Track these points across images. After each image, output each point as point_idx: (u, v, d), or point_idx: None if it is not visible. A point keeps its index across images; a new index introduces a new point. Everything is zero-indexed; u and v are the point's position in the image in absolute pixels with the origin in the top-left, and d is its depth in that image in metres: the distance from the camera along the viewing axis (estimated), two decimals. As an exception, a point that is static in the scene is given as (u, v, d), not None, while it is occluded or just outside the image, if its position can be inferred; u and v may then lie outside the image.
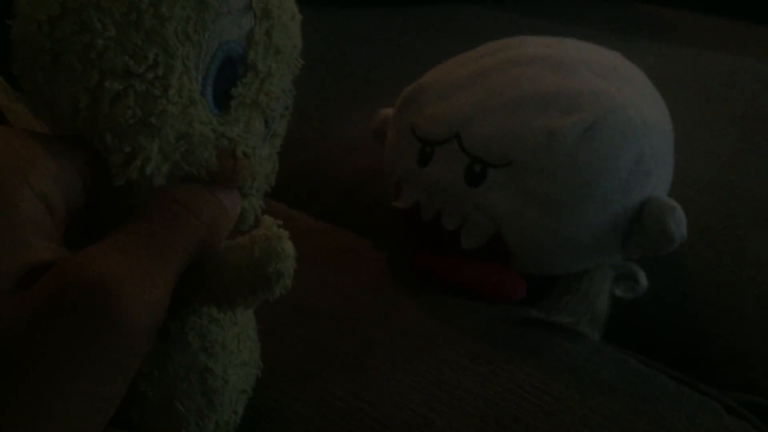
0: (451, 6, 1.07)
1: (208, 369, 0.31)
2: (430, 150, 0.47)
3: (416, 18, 1.03)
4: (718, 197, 0.54)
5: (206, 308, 0.31)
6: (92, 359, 0.24)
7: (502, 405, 0.38)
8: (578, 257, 0.46)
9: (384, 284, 0.49)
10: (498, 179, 0.44)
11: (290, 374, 0.39)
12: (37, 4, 0.27)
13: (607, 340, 0.46)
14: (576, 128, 0.43)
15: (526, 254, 0.45)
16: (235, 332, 0.33)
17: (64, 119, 0.28)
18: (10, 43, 0.28)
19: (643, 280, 0.46)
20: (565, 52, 0.46)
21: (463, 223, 0.46)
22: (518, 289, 0.47)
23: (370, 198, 0.59)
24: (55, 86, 0.27)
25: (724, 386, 0.44)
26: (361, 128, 0.60)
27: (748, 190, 0.55)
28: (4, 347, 0.23)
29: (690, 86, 0.75)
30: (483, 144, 0.44)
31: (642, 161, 0.43)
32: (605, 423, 0.38)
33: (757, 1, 1.08)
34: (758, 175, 0.57)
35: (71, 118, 0.27)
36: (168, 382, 0.31)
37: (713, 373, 0.45)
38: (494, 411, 0.38)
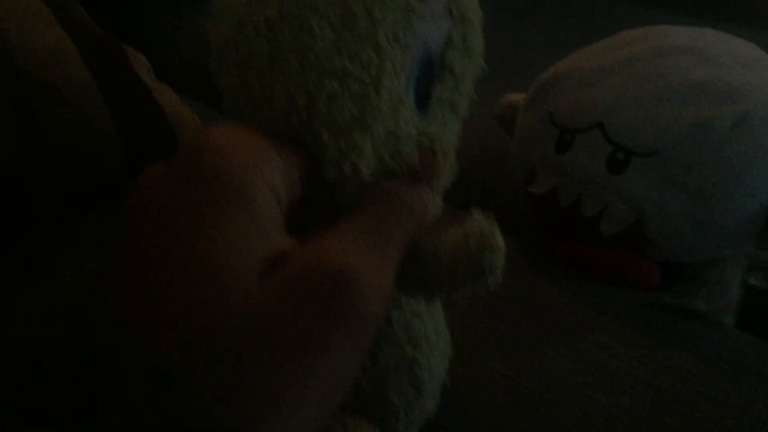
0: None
1: (415, 361, 0.33)
2: (569, 137, 0.48)
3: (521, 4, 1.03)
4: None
5: (409, 302, 0.32)
6: (338, 344, 0.25)
7: (660, 388, 0.40)
8: (717, 246, 0.46)
9: (520, 271, 0.49)
10: (642, 167, 0.45)
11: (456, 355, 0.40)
12: (253, 8, 0.28)
13: (740, 329, 0.46)
14: (726, 120, 0.43)
15: (666, 242, 0.46)
16: (433, 325, 0.34)
17: (275, 118, 0.29)
18: (210, 43, 0.30)
19: (778, 269, 0.47)
20: (707, 44, 0.47)
21: (603, 209, 0.46)
22: (654, 275, 0.48)
23: (486, 182, 0.60)
24: (269, 86, 0.28)
25: None
26: (476, 114, 0.61)
27: None
28: (257, 334, 0.24)
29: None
30: (628, 133, 0.45)
31: (789, 153, 0.44)
32: (764, 413, 0.39)
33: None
34: None
35: (285, 116, 0.28)
36: (380, 373, 0.32)
37: None
38: (653, 394, 0.39)
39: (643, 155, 0.45)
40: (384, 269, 0.27)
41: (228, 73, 0.30)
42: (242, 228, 0.26)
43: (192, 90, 0.59)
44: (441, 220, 0.31)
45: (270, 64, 0.28)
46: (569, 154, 0.47)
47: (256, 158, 0.27)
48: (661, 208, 0.45)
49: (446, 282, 0.30)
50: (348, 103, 0.28)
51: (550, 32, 0.88)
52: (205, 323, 0.24)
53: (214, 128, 0.28)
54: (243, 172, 0.26)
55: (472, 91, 0.33)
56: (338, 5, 0.27)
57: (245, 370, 0.24)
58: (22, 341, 0.30)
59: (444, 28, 0.30)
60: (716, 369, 0.41)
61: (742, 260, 0.48)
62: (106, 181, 0.47)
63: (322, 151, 0.28)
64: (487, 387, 0.38)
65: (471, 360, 0.40)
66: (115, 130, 0.46)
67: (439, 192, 0.34)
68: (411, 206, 0.29)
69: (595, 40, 0.52)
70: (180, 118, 0.50)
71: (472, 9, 0.31)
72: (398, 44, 0.28)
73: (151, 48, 0.60)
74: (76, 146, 0.45)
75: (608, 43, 0.50)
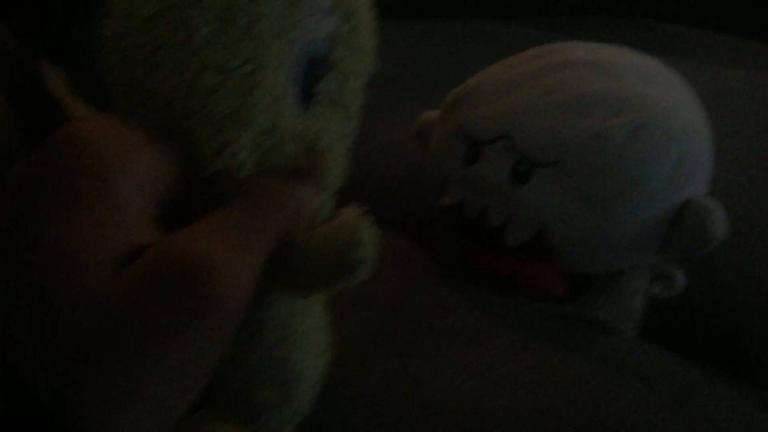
0: (477, 22, 1.09)
1: (286, 360, 0.32)
2: (478, 149, 0.48)
3: (443, 32, 1.04)
4: (752, 197, 0.55)
5: (284, 300, 0.32)
6: (189, 334, 0.25)
7: (550, 392, 0.40)
8: (619, 256, 0.47)
9: (428, 280, 0.50)
10: (544, 178, 0.46)
11: (343, 361, 0.40)
12: (136, 2, 0.28)
13: (645, 339, 0.47)
14: (622, 130, 0.44)
15: (569, 252, 0.47)
16: (310, 323, 0.34)
17: (157, 113, 0.29)
18: (101, 41, 0.30)
19: (680, 279, 0.48)
20: (610, 57, 0.48)
21: (508, 220, 0.47)
22: (559, 286, 0.49)
23: (409, 198, 0.61)
24: (151, 81, 0.28)
25: (761, 383, 0.45)
26: (399, 131, 0.62)
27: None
28: (106, 323, 0.24)
29: (709, 103, 0.77)
30: (532, 144, 0.46)
31: (684, 163, 0.45)
32: (646, 415, 0.40)
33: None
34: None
35: (166, 110, 0.28)
36: (248, 371, 0.32)
37: (749, 370, 0.46)
38: (542, 397, 0.40)
39: (545, 165, 0.46)
40: (245, 263, 0.27)
41: (112, 69, 0.30)
42: (101, 219, 0.26)
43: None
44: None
45: (151, 58, 0.28)
46: (476, 166, 0.48)
47: (125, 150, 0.27)
48: (563, 219, 0.46)
49: (315, 278, 0.30)
50: (227, 98, 0.28)
51: (483, 56, 0.90)
52: (53, 317, 0.24)
53: (85, 120, 0.29)
54: (108, 164, 0.26)
55: (363, 89, 0.34)
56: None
57: (94, 363, 0.24)
58: None
59: (330, 25, 0.30)
60: (608, 375, 0.42)
61: (646, 271, 0.49)
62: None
63: (200, 145, 0.28)
64: (374, 392, 0.39)
65: (362, 365, 0.40)
66: (19, 142, 0.46)
67: (329, 190, 0.34)
68: (282, 202, 0.29)
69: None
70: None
71: (361, 7, 0.32)
72: (281, 39, 0.29)
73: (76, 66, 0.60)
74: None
75: (518, 58, 0.51)
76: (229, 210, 0.28)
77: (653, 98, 0.45)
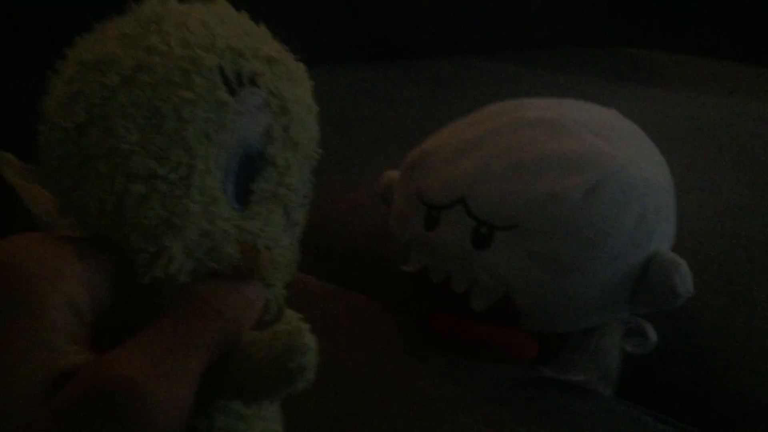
0: (453, 59, 1.09)
1: None
2: (436, 214, 0.47)
3: (419, 72, 1.04)
4: (723, 245, 0.55)
5: (232, 405, 0.31)
6: None
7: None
8: (586, 315, 0.46)
9: (396, 348, 0.49)
10: (504, 242, 0.45)
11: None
12: (64, 112, 0.28)
13: (619, 397, 0.46)
14: (578, 190, 0.43)
15: (535, 314, 0.46)
16: (261, 427, 0.33)
17: (90, 221, 0.28)
18: (38, 148, 0.29)
19: (653, 335, 0.46)
20: (563, 114, 0.47)
21: (471, 285, 0.46)
22: (530, 349, 0.47)
23: (379, 259, 0.60)
24: (82, 190, 0.28)
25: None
26: (368, 188, 0.61)
27: (753, 237, 0.56)
28: None
29: (687, 131, 0.76)
30: (488, 208, 0.45)
31: (645, 219, 0.44)
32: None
33: (748, 42, 1.09)
34: (763, 220, 0.58)
35: (97, 219, 0.28)
36: None
37: (725, 426, 0.45)
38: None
39: (504, 229, 0.45)
40: (179, 379, 0.26)
41: (47, 177, 0.29)
42: (27, 346, 0.25)
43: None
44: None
45: (80, 169, 0.28)
46: (437, 232, 0.47)
47: (51, 270, 0.26)
48: (526, 282, 0.45)
49: (256, 385, 0.29)
50: (156, 206, 0.27)
51: (464, 95, 0.89)
52: None
53: (10, 239, 0.28)
54: (33, 287, 0.26)
55: (306, 180, 0.33)
56: (146, 106, 0.27)
57: None
58: None
59: (263, 122, 0.30)
60: (580, 445, 0.41)
61: (619, 327, 0.47)
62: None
63: (133, 255, 0.28)
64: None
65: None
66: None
67: (281, 284, 0.33)
68: (217, 307, 0.29)
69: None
70: (49, 218, 0.50)
71: (296, 101, 0.31)
72: (210, 142, 0.28)
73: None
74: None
75: (472, 119, 0.50)
76: (163, 322, 0.27)
77: (609, 155, 0.45)
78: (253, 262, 0.30)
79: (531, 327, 0.47)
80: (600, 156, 0.45)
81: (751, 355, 0.47)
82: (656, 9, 1.20)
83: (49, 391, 0.24)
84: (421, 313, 0.51)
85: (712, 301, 0.50)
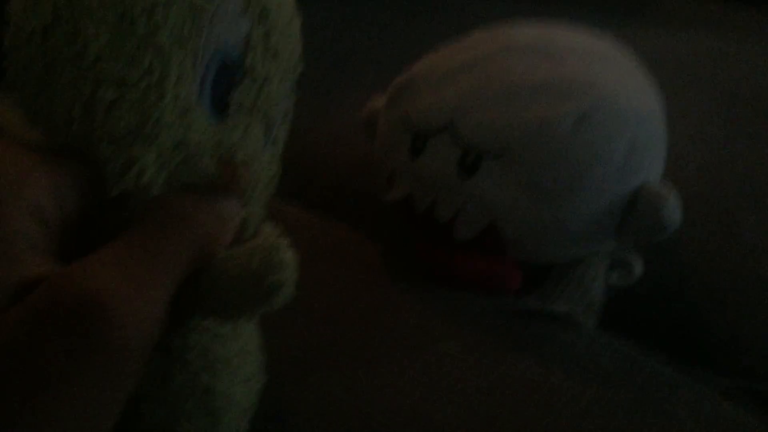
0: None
1: (211, 388, 0.31)
2: (422, 141, 0.46)
3: (406, 1, 1.01)
4: (709, 181, 0.54)
5: (208, 324, 0.31)
6: (84, 378, 0.23)
7: (502, 397, 0.38)
8: (572, 246, 0.46)
9: (379, 278, 0.48)
10: (492, 169, 0.44)
11: (288, 375, 0.39)
12: (29, 14, 0.26)
13: (603, 329, 0.46)
14: (568, 118, 0.42)
15: (521, 244, 0.45)
16: (237, 347, 0.32)
17: (58, 129, 0.27)
18: (3, 53, 0.28)
19: (638, 267, 0.46)
20: (556, 40, 0.46)
21: (456, 214, 0.45)
22: (514, 279, 0.47)
23: (363, 189, 0.59)
24: (48, 96, 0.27)
25: (721, 372, 0.44)
26: (353, 116, 0.60)
27: (739, 172, 0.55)
28: None
29: (676, 67, 0.75)
30: (476, 134, 0.44)
31: (635, 149, 0.43)
32: (605, 414, 0.38)
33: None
34: (749, 156, 0.57)
35: (65, 128, 0.27)
36: (170, 402, 0.30)
37: (710, 360, 0.45)
38: (494, 404, 0.38)
39: (492, 157, 0.44)
40: (148, 293, 0.25)
41: (11, 83, 0.28)
42: None
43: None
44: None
45: (46, 73, 0.26)
46: (422, 158, 0.46)
47: (14, 178, 0.25)
48: (512, 210, 0.44)
49: (231, 302, 0.28)
50: (127, 113, 0.26)
51: (445, 29, 0.88)
52: None
53: None
54: None
55: (288, 95, 0.32)
56: (115, 8, 0.26)
57: None
58: None
59: (242, 29, 0.28)
60: (563, 372, 0.40)
61: (604, 259, 0.47)
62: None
63: (103, 165, 0.27)
64: (313, 412, 0.37)
65: (301, 382, 0.38)
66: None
67: (260, 201, 0.32)
68: (190, 221, 0.28)
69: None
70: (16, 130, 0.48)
71: (277, 7, 0.30)
72: (184, 48, 0.27)
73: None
74: None
75: (461, 44, 0.49)
76: (133, 234, 0.26)
77: (601, 83, 0.44)
78: (230, 176, 0.29)
79: (516, 257, 0.47)
80: (591, 84, 0.43)
81: (735, 288, 0.47)
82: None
83: (9, 302, 0.23)
84: (405, 242, 0.50)
85: (697, 233, 0.50)
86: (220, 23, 0.27)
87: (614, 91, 0.43)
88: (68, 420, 0.23)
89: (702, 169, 0.55)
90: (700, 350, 0.46)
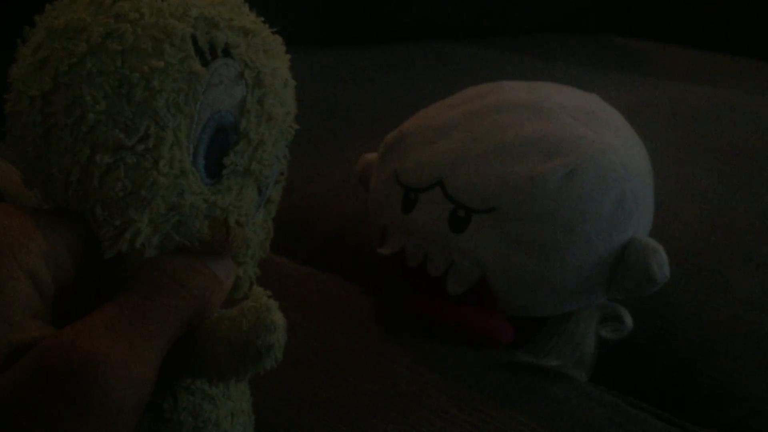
0: (436, 44, 1.08)
1: None
2: (413, 196, 0.47)
3: (400, 56, 1.03)
4: (699, 233, 0.54)
5: (199, 384, 0.31)
6: None
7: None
8: (563, 300, 0.46)
9: (372, 331, 0.49)
10: (482, 225, 0.44)
11: (281, 430, 0.39)
12: (30, 80, 0.27)
13: (594, 382, 0.46)
14: (557, 173, 0.43)
15: (512, 298, 0.46)
16: (228, 408, 0.32)
17: (55, 192, 0.28)
18: (5, 116, 0.29)
19: (628, 320, 0.46)
20: (544, 98, 0.47)
21: (448, 268, 0.46)
22: (506, 333, 0.47)
23: (356, 242, 0.59)
24: (46, 160, 0.27)
25: (712, 425, 0.44)
26: (347, 170, 0.61)
27: (729, 225, 0.56)
28: None
29: (668, 119, 0.76)
30: (466, 190, 0.45)
31: (623, 204, 0.44)
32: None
33: (729, 32, 1.10)
34: (739, 209, 0.58)
35: (62, 191, 0.27)
36: None
37: (701, 413, 0.45)
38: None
39: (482, 212, 0.44)
40: (140, 355, 0.26)
41: (12, 146, 0.29)
42: None
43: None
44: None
45: (45, 138, 0.27)
46: (414, 213, 0.47)
47: (12, 241, 0.26)
48: (503, 265, 0.44)
49: (222, 363, 0.29)
50: (123, 177, 0.27)
51: (441, 81, 0.89)
52: None
53: None
54: None
55: (281, 156, 0.33)
56: (114, 75, 0.26)
57: None
58: None
59: (237, 95, 0.29)
60: (556, 427, 0.40)
61: (595, 312, 0.47)
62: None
63: (98, 228, 0.27)
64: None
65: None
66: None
67: (253, 261, 0.33)
68: (183, 283, 0.28)
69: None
70: (14, 191, 0.49)
71: (272, 73, 0.30)
72: (181, 114, 0.27)
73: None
74: None
75: (451, 101, 0.50)
76: (126, 296, 0.27)
77: (588, 139, 0.44)
78: (223, 238, 0.29)
79: (507, 311, 0.47)
80: (579, 140, 0.44)
81: (725, 342, 0.47)
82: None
83: (4, 364, 0.24)
84: (398, 295, 0.50)
85: (687, 287, 0.50)
86: (216, 89, 0.28)
87: (601, 147, 0.44)
88: None
89: (692, 223, 0.55)
90: (690, 403, 0.46)
